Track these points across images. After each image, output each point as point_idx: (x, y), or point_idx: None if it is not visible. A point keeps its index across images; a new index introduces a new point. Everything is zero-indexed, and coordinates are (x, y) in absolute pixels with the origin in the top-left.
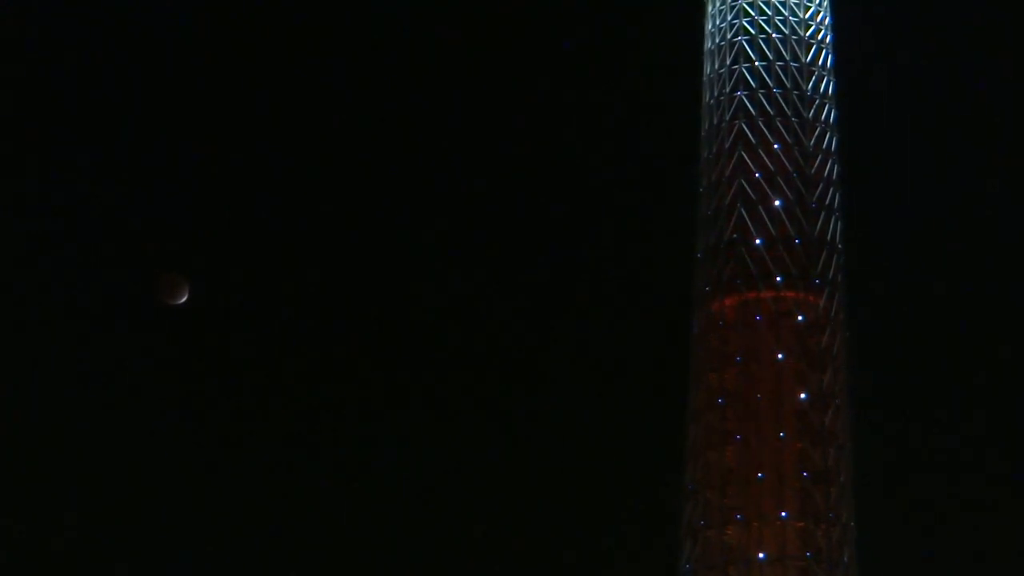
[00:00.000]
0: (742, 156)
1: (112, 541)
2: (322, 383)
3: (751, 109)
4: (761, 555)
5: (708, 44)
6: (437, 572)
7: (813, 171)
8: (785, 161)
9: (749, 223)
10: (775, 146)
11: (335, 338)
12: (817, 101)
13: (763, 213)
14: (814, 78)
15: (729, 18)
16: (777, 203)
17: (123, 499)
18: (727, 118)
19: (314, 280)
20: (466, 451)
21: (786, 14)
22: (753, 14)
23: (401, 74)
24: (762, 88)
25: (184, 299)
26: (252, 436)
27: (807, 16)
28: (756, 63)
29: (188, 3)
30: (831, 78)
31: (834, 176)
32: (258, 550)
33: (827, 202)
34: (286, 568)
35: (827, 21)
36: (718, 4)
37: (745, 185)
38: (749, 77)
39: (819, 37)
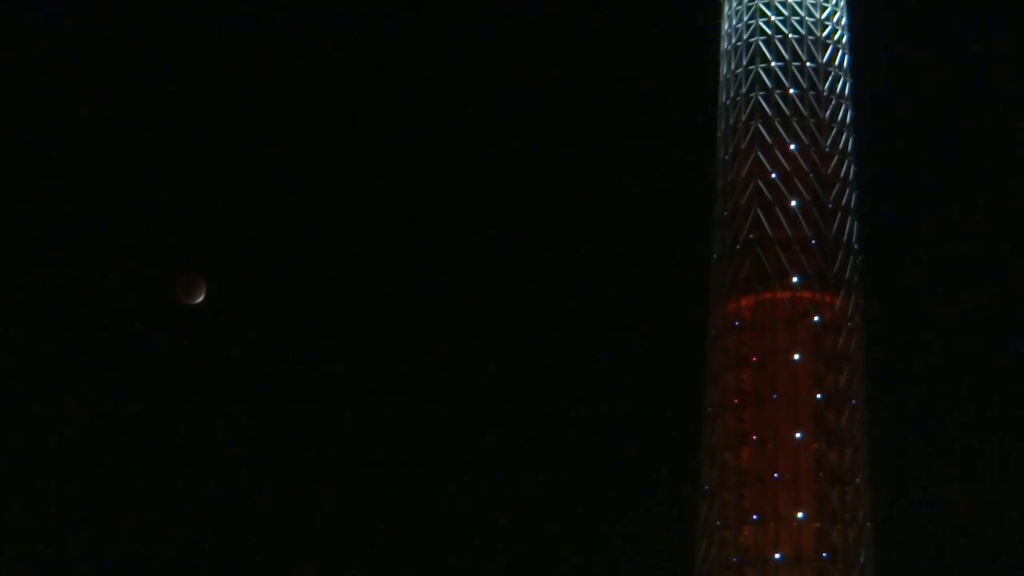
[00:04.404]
0: (758, 156)
1: (119, 541)
2: (334, 384)
3: (767, 110)
4: (777, 555)
5: (724, 45)
6: (456, 570)
7: (829, 171)
8: (801, 161)
9: (765, 223)
10: (791, 146)
11: (344, 340)
12: (833, 101)
13: (779, 213)
14: (830, 78)
15: (745, 19)
16: (793, 203)
17: (132, 495)
18: (743, 119)
19: (329, 279)
20: (481, 450)
21: (802, 14)
22: (769, 14)
23: (415, 75)
24: (778, 88)
25: (201, 299)
26: (260, 436)
27: (823, 16)
28: (772, 64)
29: (200, 4)
30: (848, 78)
31: (850, 176)
32: (260, 551)
33: (843, 202)
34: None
35: (843, 21)
36: (734, 5)
37: (761, 185)
38: (765, 78)
39: (835, 37)
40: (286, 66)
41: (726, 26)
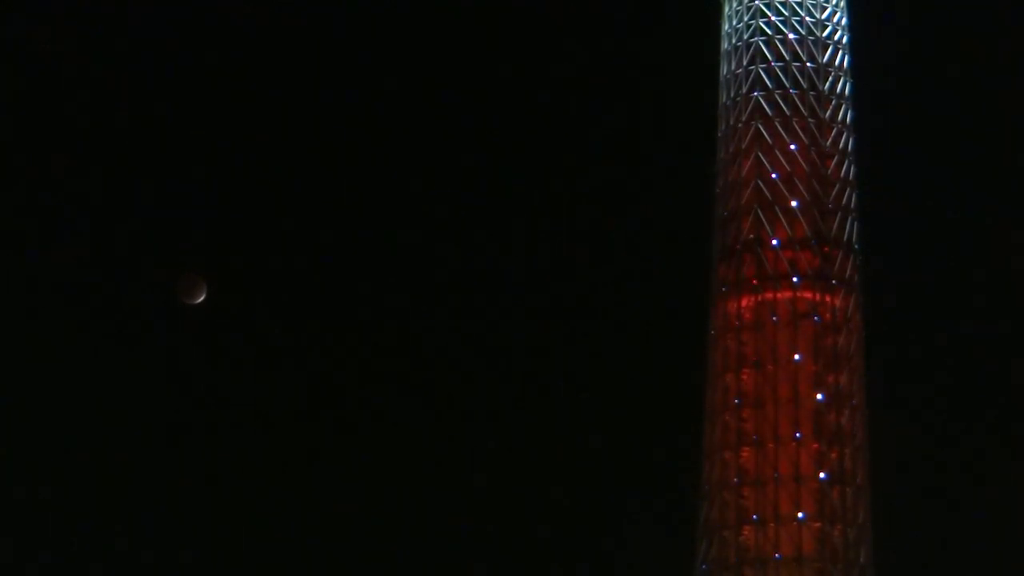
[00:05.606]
0: (759, 157)
1: (119, 541)
2: (335, 384)
3: (768, 110)
4: (777, 555)
5: (725, 45)
6: (455, 571)
7: (829, 171)
8: (802, 162)
9: (765, 223)
10: (791, 147)
11: (343, 339)
12: (833, 102)
13: (779, 214)
14: (831, 79)
15: (746, 19)
16: (793, 203)
17: (132, 495)
18: (744, 119)
19: (331, 280)
20: (479, 451)
21: (803, 15)
22: (770, 15)
23: (415, 75)
24: (779, 89)
25: (201, 299)
26: (259, 436)
27: (823, 17)
28: (773, 64)
29: (203, 5)
30: (848, 78)
31: (850, 176)
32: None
33: (843, 202)
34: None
35: (843, 22)
36: (735, 5)
37: (762, 186)
38: (766, 78)
39: (835, 38)
40: (287, 64)
41: (726, 26)
